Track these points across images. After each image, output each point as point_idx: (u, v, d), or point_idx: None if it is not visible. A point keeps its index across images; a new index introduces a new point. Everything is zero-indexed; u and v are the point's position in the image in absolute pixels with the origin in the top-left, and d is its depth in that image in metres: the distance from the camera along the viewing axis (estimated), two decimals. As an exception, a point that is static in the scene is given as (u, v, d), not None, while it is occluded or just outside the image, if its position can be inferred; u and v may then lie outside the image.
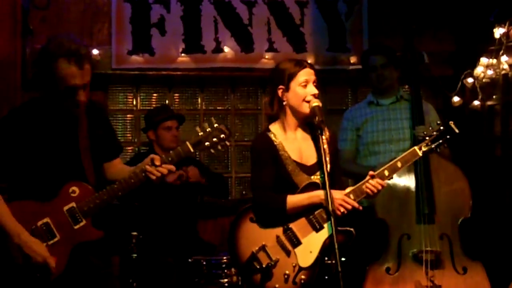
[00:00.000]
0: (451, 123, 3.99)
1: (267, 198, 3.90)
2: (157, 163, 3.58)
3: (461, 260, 4.58)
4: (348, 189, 3.90)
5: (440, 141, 3.97)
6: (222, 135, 3.62)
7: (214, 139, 3.61)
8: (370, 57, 5.27)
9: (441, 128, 3.98)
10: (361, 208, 3.89)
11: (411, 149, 3.99)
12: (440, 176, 4.69)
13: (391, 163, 3.96)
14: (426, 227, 4.59)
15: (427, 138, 3.97)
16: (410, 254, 4.61)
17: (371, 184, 3.88)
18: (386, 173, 3.94)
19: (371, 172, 3.91)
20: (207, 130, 3.62)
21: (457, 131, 3.97)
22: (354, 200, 3.86)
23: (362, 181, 3.90)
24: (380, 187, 3.88)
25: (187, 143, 3.61)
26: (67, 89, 3.49)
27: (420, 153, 3.97)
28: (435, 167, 4.68)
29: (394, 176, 4.00)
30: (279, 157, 3.93)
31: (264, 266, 3.83)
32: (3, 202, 3.50)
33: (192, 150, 3.61)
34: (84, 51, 3.53)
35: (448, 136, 3.97)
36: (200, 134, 3.62)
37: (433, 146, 3.96)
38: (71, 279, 3.56)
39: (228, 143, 3.68)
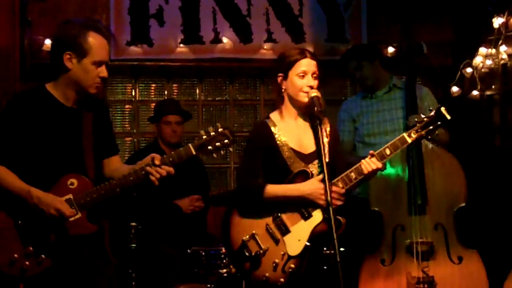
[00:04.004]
0: (443, 109, 3.82)
1: (247, 184, 3.95)
2: (157, 162, 3.58)
3: (456, 249, 4.58)
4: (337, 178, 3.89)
5: (431, 127, 3.82)
6: (226, 140, 3.63)
7: (218, 144, 3.63)
8: (344, 65, 5.31)
9: (432, 114, 3.82)
10: (343, 190, 3.84)
11: (399, 136, 3.89)
12: (435, 164, 4.69)
13: (380, 149, 3.90)
14: (419, 218, 4.59)
15: (417, 124, 3.84)
16: (404, 246, 4.62)
17: (367, 162, 3.86)
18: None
19: (371, 152, 3.90)
20: (212, 134, 3.63)
21: (448, 117, 3.79)
22: (343, 187, 3.85)
23: (350, 169, 3.88)
24: (374, 167, 3.84)
25: (190, 145, 3.62)
26: (96, 63, 3.55)
27: (409, 140, 3.84)
28: (429, 156, 4.68)
29: (389, 167, 4.00)
30: (275, 145, 3.93)
31: (253, 254, 3.85)
32: (8, 171, 3.53)
33: (194, 153, 3.62)
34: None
35: (439, 123, 3.81)
36: (204, 137, 3.63)
37: (423, 132, 3.82)
38: (65, 272, 3.57)
39: (231, 149, 3.70)
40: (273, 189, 3.89)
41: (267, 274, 3.83)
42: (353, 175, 3.86)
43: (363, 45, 5.52)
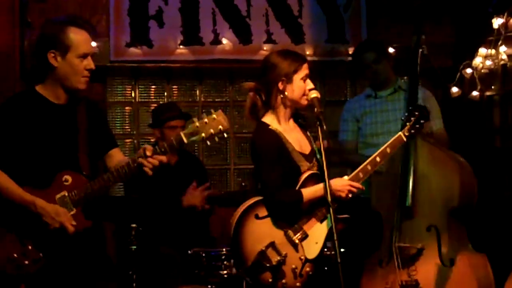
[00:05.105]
0: (422, 109, 4.27)
1: (285, 196, 3.87)
2: (148, 153, 3.51)
3: (449, 251, 4.53)
4: (346, 177, 3.97)
5: (417, 125, 4.23)
6: (219, 127, 3.52)
7: (211, 130, 3.52)
8: (361, 55, 5.30)
9: (416, 113, 4.22)
10: (363, 188, 4.02)
11: (397, 135, 4.18)
12: (432, 164, 4.65)
13: (381, 149, 4.08)
14: (408, 221, 4.56)
15: (407, 124, 4.21)
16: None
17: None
18: (378, 159, 4.04)
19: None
20: (205, 121, 3.53)
21: (427, 115, 4.27)
22: (363, 177, 3.99)
23: (358, 168, 4.00)
24: None
25: (181, 133, 3.53)
26: (81, 56, 3.56)
27: (405, 139, 4.19)
28: (427, 155, 4.64)
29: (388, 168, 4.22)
30: (285, 150, 3.91)
31: (274, 263, 3.78)
32: (7, 177, 3.53)
33: (185, 140, 3.51)
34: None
35: (422, 121, 4.24)
36: (196, 124, 3.52)
37: (412, 131, 4.22)
38: (64, 270, 3.57)
39: (226, 135, 3.59)
40: (307, 193, 3.87)
41: (284, 281, 3.79)
42: (369, 167, 4.03)
43: (381, 41, 5.51)
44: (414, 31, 4.90)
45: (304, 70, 3.93)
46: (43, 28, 3.68)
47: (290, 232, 3.85)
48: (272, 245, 3.82)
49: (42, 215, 3.49)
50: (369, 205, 4.70)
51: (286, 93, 3.93)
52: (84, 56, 3.58)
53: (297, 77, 3.92)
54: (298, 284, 3.82)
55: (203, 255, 4.89)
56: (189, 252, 4.96)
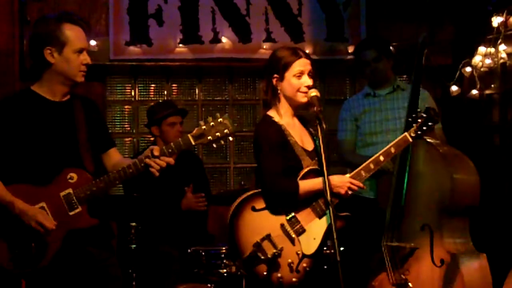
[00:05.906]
0: (431, 111, 4.17)
1: (281, 184, 3.86)
2: (156, 153, 3.55)
3: (440, 251, 4.50)
4: (348, 174, 3.98)
5: (424, 128, 4.13)
6: (225, 130, 3.57)
7: (217, 134, 3.56)
8: (362, 52, 5.27)
9: (424, 115, 4.14)
10: (365, 187, 4.04)
11: (402, 135, 4.13)
12: (425, 163, 4.62)
13: (385, 148, 4.07)
14: (403, 221, 4.55)
15: (414, 125, 4.14)
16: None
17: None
18: (381, 158, 4.03)
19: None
20: (211, 124, 3.57)
21: (436, 118, 4.18)
22: (365, 176, 3.98)
23: (361, 166, 4.00)
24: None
25: (189, 136, 3.57)
26: (77, 51, 3.60)
27: (411, 139, 4.13)
28: (422, 155, 4.61)
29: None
30: (288, 142, 3.92)
31: (269, 256, 3.77)
32: None
33: (193, 143, 3.57)
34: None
35: (430, 123, 4.14)
36: (203, 127, 3.56)
37: (419, 132, 4.14)
38: (67, 268, 3.57)
39: (231, 139, 3.64)
40: (305, 185, 3.86)
41: (279, 275, 3.79)
42: (372, 165, 4.03)
43: (384, 39, 5.49)
44: (428, 29, 4.89)
45: (297, 67, 3.92)
46: (37, 25, 3.70)
47: (287, 226, 3.85)
48: (268, 237, 3.81)
49: (19, 215, 3.50)
50: (375, 205, 4.71)
51: (279, 89, 3.95)
52: (80, 51, 3.62)
53: (289, 74, 3.92)
54: (294, 279, 3.81)
55: (203, 253, 4.89)
56: (188, 250, 4.97)
